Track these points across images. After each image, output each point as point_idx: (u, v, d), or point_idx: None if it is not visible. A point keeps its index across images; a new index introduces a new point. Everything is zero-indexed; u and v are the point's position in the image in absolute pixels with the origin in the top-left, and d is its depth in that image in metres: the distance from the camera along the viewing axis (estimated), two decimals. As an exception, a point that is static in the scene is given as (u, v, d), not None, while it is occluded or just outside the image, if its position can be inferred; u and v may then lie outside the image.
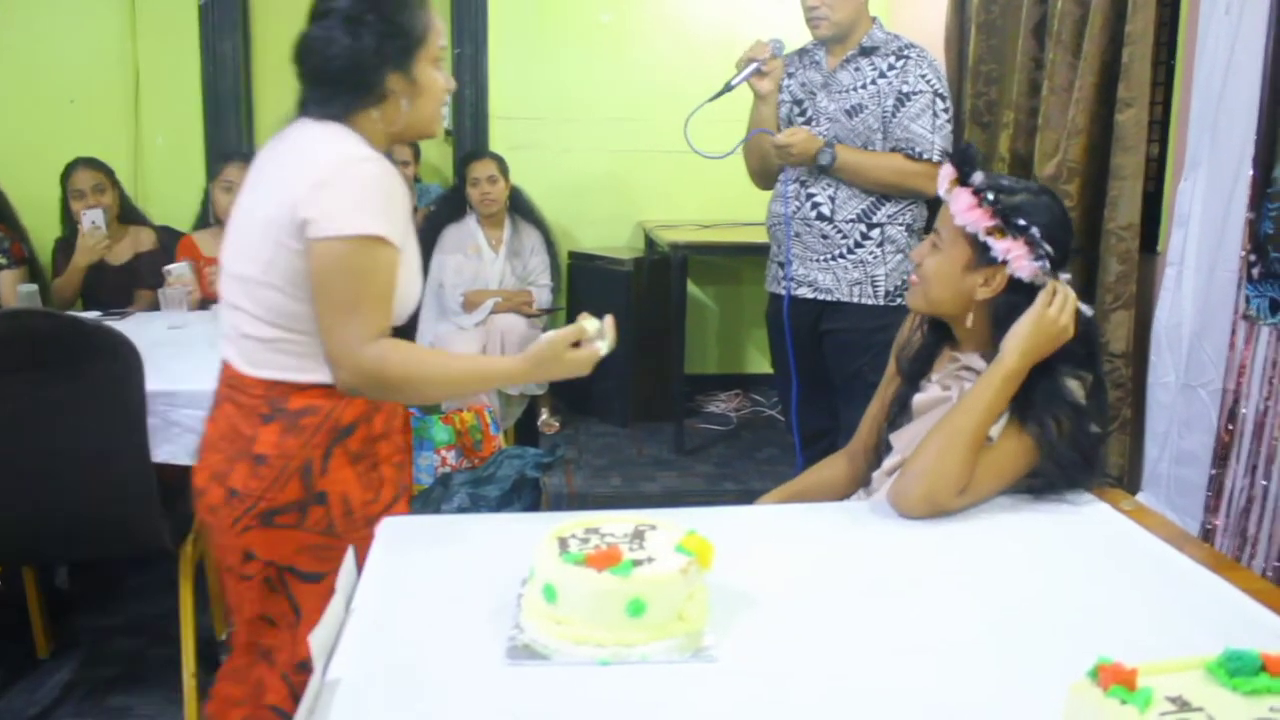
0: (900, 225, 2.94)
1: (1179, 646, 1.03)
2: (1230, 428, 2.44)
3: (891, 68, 2.88)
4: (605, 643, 1.18)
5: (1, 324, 2.40)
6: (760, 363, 5.18)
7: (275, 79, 5.10)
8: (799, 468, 3.13)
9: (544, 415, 4.64)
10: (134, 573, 3.37)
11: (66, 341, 2.31)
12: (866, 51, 2.92)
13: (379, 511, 1.76)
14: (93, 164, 3.96)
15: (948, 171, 1.77)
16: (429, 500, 3.44)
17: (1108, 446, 2.83)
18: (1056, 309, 1.66)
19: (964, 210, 1.72)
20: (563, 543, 1.26)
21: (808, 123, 2.96)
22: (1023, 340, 1.65)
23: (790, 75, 3.04)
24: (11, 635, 2.94)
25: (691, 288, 4.93)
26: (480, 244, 4.41)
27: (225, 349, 1.81)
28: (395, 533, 1.59)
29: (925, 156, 2.85)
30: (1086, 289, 3.00)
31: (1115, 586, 1.42)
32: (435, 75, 1.80)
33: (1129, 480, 2.88)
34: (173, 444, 2.49)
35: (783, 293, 3.03)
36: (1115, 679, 0.92)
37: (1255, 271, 2.38)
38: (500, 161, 4.43)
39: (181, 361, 2.74)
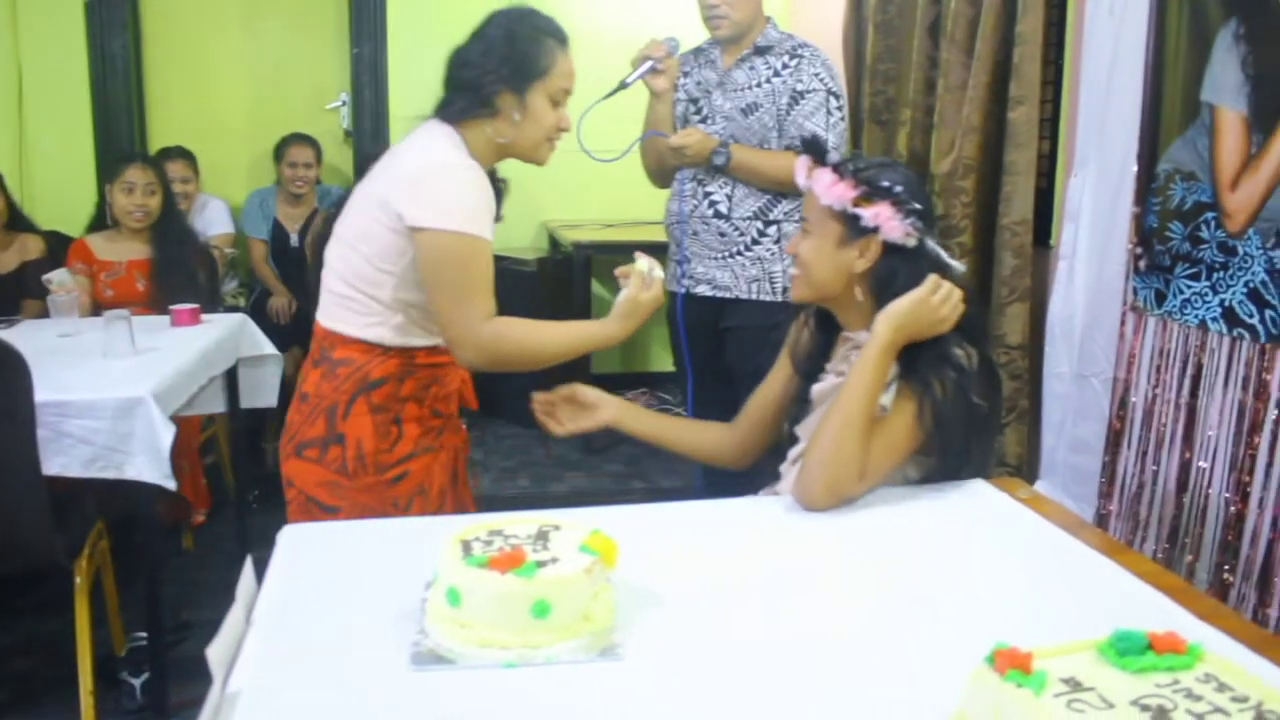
0: (797, 222, 2.97)
1: (1073, 629, 1.06)
2: (1121, 415, 2.51)
3: (786, 66, 2.91)
4: (510, 645, 1.17)
5: (-122, 335, 2.30)
6: (665, 361, 5.20)
7: (168, 78, 4.98)
8: (698, 466, 3.15)
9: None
10: (25, 590, 3.25)
11: (-52, 352, 2.23)
12: (761, 50, 2.94)
13: (391, 462, 2.00)
14: (-26, 168, 3.82)
15: (804, 161, 1.85)
16: (334, 506, 3.38)
17: (1002, 434, 2.90)
18: (939, 299, 1.71)
19: (827, 188, 1.79)
20: (466, 545, 1.25)
21: (703, 121, 2.98)
22: (897, 316, 1.70)
23: (686, 74, 3.05)
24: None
25: (596, 287, 4.92)
26: (383, 246, 4.36)
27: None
28: (297, 540, 1.56)
29: None
30: (983, 283, 3.07)
31: (1012, 573, 1.45)
32: (548, 108, 2.02)
33: (1027, 469, 2.95)
34: (65, 455, 2.41)
35: (681, 290, 3.04)
36: (1012, 663, 0.94)
37: (1142, 264, 2.45)
38: (402, 162, 4.38)
39: (73, 370, 2.65)
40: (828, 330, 1.94)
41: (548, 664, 1.17)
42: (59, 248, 3.92)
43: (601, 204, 5.01)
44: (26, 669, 2.88)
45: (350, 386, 1.99)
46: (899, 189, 1.76)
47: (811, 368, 1.94)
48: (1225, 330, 2.19)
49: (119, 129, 4.83)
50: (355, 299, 1.98)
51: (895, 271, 1.76)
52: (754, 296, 2.96)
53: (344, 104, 5.13)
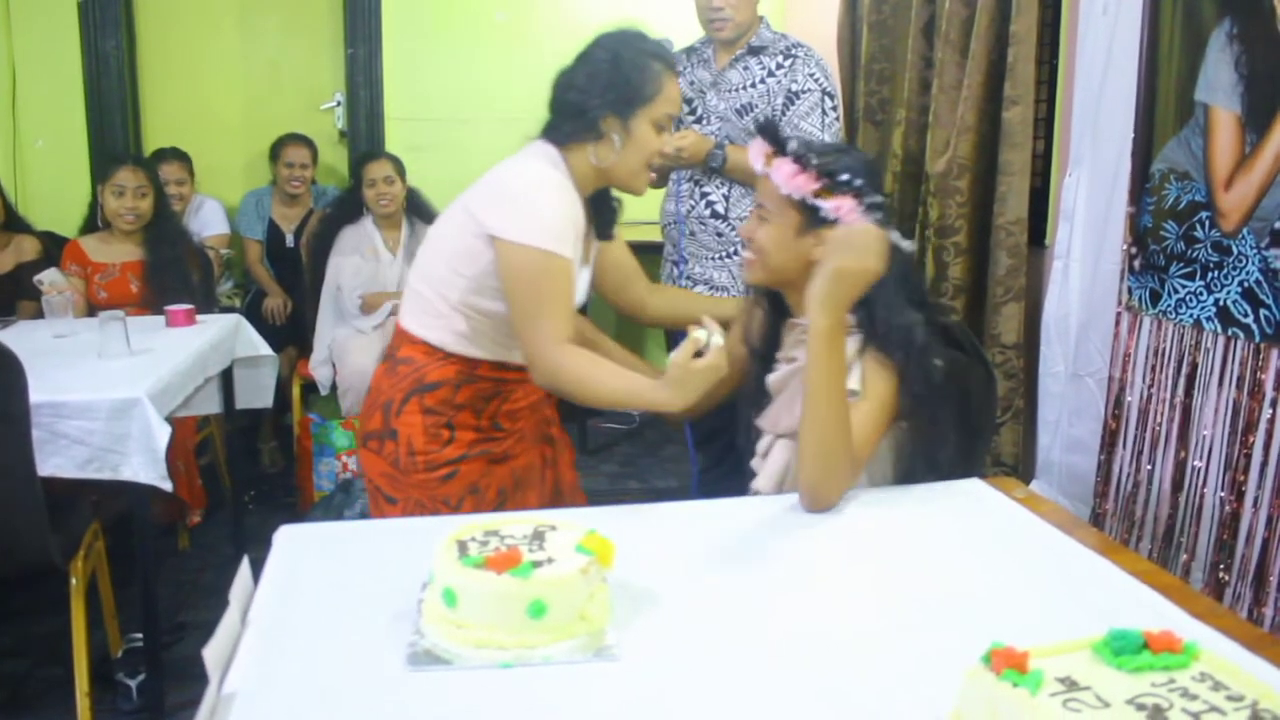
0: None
1: (1068, 629, 1.06)
2: (1116, 415, 2.52)
3: (780, 66, 2.91)
4: (507, 645, 1.17)
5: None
6: (661, 361, 5.18)
7: (163, 79, 4.97)
8: (694, 465, 3.16)
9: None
10: (19, 591, 3.25)
11: (-57, 353, 2.22)
12: (755, 51, 2.94)
13: (440, 462, 2.01)
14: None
15: (761, 147, 1.84)
16: (331, 506, 3.39)
17: (998, 434, 2.90)
18: (854, 256, 1.66)
19: (788, 179, 1.79)
20: (462, 546, 1.25)
21: (698, 121, 2.98)
22: (822, 297, 1.65)
23: (680, 74, 3.05)
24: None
25: (594, 287, 4.91)
26: (377, 246, 4.35)
27: None
28: (294, 540, 1.56)
29: None
30: (978, 283, 3.08)
31: (1008, 573, 1.46)
32: (651, 134, 2.00)
33: (1023, 469, 2.95)
34: (60, 456, 2.41)
35: None
36: (1008, 663, 0.95)
37: (1136, 263, 2.46)
38: (396, 162, 4.38)
39: (68, 371, 2.65)
40: (776, 311, 1.96)
41: (544, 664, 1.17)
42: (54, 249, 3.92)
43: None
44: (22, 670, 2.87)
45: (406, 385, 2.02)
46: (860, 182, 1.78)
47: (765, 351, 1.96)
48: (1220, 329, 2.19)
49: (113, 129, 4.82)
50: (427, 297, 2.02)
51: None
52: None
53: (339, 105, 5.12)
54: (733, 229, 2.94)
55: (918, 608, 1.33)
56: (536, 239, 1.88)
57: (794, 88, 2.89)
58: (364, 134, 4.98)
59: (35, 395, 2.28)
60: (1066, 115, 2.79)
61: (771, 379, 1.91)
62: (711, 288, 2.99)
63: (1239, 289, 2.13)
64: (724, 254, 2.96)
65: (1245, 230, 2.11)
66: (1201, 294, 2.24)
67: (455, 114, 5.01)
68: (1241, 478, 2.12)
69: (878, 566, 1.48)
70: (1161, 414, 2.37)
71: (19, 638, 3.03)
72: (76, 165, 4.77)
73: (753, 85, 2.92)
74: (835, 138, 2.91)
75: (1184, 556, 2.28)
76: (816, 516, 1.63)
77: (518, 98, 4.93)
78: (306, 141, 4.72)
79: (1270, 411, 2.05)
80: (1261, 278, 2.07)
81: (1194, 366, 2.27)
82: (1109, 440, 2.55)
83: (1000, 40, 2.92)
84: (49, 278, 3.41)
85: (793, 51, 2.93)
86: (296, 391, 4.36)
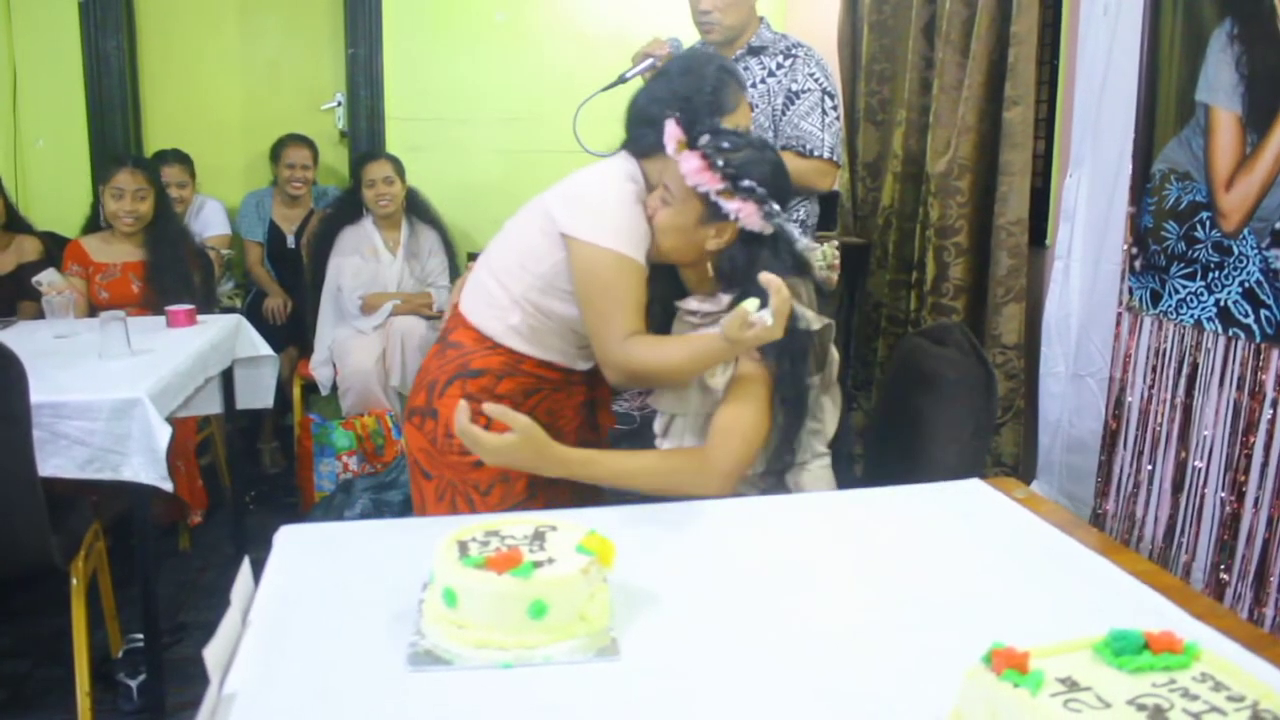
0: (794, 222, 2.97)
1: (1069, 629, 1.06)
2: (1117, 415, 2.52)
3: (780, 66, 2.91)
4: (507, 646, 1.17)
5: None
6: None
7: (163, 79, 4.97)
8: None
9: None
10: (20, 591, 3.25)
11: (-57, 353, 2.22)
12: (755, 51, 2.94)
13: None
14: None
15: (674, 131, 1.89)
16: (331, 507, 3.39)
17: (998, 434, 2.90)
18: (754, 334, 1.71)
19: (694, 172, 1.84)
20: (462, 546, 1.25)
21: (700, 122, 2.98)
22: (734, 345, 1.76)
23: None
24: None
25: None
26: (377, 246, 4.35)
27: None
28: (295, 541, 1.55)
29: (816, 154, 2.88)
30: (978, 283, 3.08)
31: (1008, 573, 1.46)
32: None
33: (1023, 469, 2.95)
34: (60, 457, 2.41)
35: None
36: (1008, 663, 0.94)
37: (1137, 264, 2.45)
38: (396, 163, 4.38)
39: (69, 371, 2.65)
40: (665, 290, 2.03)
41: (544, 664, 1.17)
42: (55, 249, 3.92)
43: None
44: (23, 670, 2.87)
45: (452, 369, 2.07)
46: (761, 191, 1.82)
47: (658, 329, 2.02)
48: (1220, 330, 2.19)
49: (114, 130, 4.82)
50: (489, 286, 2.07)
51: (744, 255, 1.85)
52: None
53: (339, 105, 5.12)
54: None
55: (918, 608, 1.33)
56: (610, 240, 1.92)
57: (794, 87, 2.89)
58: (365, 134, 4.98)
59: (36, 395, 2.28)
60: (1067, 115, 2.79)
61: None
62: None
63: (1240, 289, 2.13)
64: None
65: (1246, 230, 2.11)
66: (1202, 294, 2.24)
67: (456, 114, 5.01)
68: (1242, 478, 2.11)
69: (878, 566, 1.47)
70: (1162, 414, 2.37)
71: (20, 638, 3.03)
72: (77, 165, 4.77)
73: (753, 85, 2.91)
74: (835, 138, 2.91)
75: (1185, 557, 2.28)
76: (817, 516, 1.64)
77: (518, 98, 4.95)
78: (307, 142, 4.72)
79: (1271, 412, 2.05)
80: (1262, 278, 2.07)
81: (1195, 367, 2.27)
82: (1109, 440, 2.55)
83: (1001, 40, 2.92)
84: (47, 278, 3.41)
85: (793, 51, 2.93)
86: (297, 392, 4.36)
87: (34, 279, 3.44)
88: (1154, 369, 2.40)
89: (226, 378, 3.37)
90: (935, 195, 3.14)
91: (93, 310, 3.56)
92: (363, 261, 4.32)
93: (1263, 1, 2.05)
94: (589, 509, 1.67)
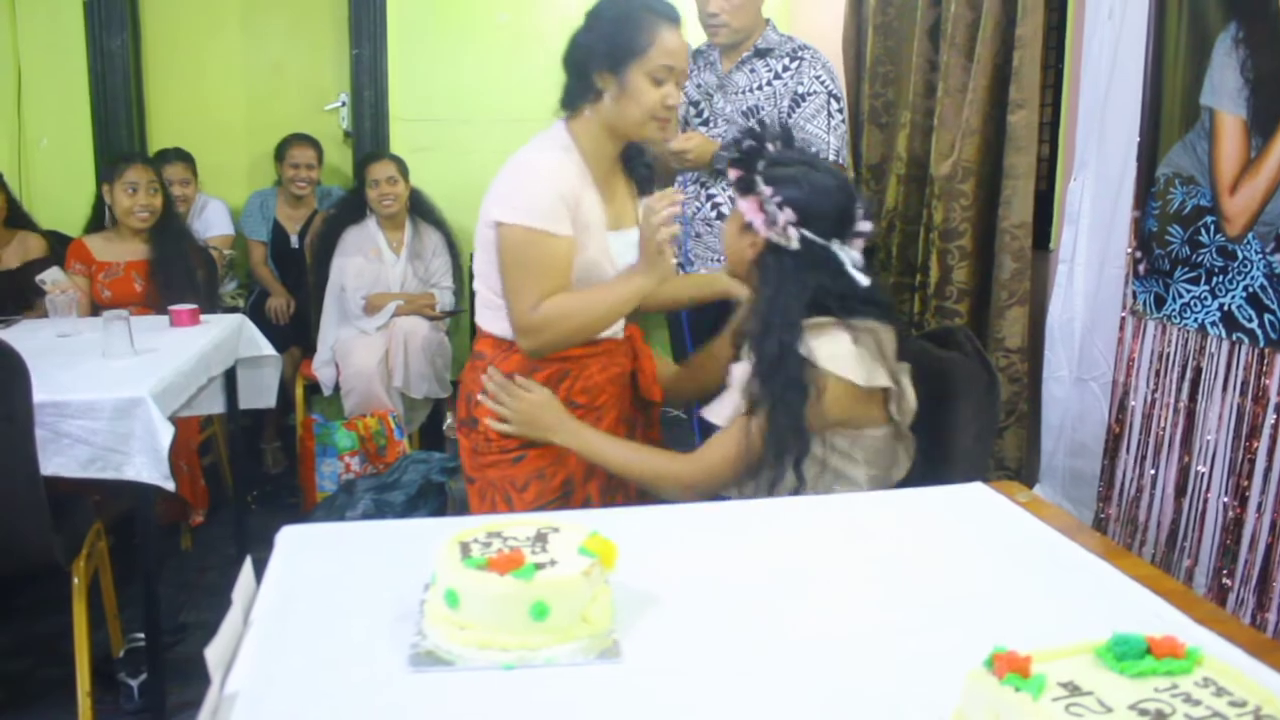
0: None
1: (1071, 633, 1.06)
2: (1120, 419, 2.51)
3: (786, 69, 2.91)
4: (509, 647, 1.17)
5: (-124, 334, 2.30)
6: (665, 354, 5.20)
7: (168, 78, 4.97)
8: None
9: (449, 420, 4.60)
10: (21, 591, 3.25)
11: (-54, 352, 2.23)
12: (761, 53, 2.94)
13: (515, 445, 2.08)
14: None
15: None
16: (333, 507, 3.39)
17: (1001, 437, 2.89)
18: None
19: (731, 174, 1.88)
20: (464, 547, 1.25)
21: (705, 124, 2.98)
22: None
23: (687, 77, 3.04)
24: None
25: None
26: (381, 246, 4.35)
27: None
28: (296, 541, 1.55)
29: (821, 156, 2.88)
30: (982, 287, 3.07)
31: (1011, 577, 1.45)
32: (647, 86, 2.01)
33: (1026, 472, 2.95)
34: (63, 456, 2.41)
35: None
36: (1010, 667, 0.94)
37: (1141, 268, 2.45)
38: (399, 163, 4.38)
39: (72, 371, 2.65)
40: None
41: (546, 666, 1.16)
42: (58, 247, 3.92)
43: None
44: (24, 670, 2.88)
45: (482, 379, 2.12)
46: (766, 188, 1.81)
47: (740, 343, 2.01)
48: (1224, 334, 2.19)
49: (118, 129, 4.82)
50: (483, 293, 2.14)
51: (769, 268, 1.84)
52: None
53: (343, 105, 5.12)
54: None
55: (920, 611, 1.33)
56: (523, 217, 1.97)
57: (800, 90, 2.89)
58: (369, 134, 4.98)
59: (38, 395, 2.29)
60: (1072, 119, 2.79)
61: (735, 368, 1.95)
62: (716, 291, 2.99)
63: (1244, 294, 2.13)
64: (729, 256, 2.96)
65: (1250, 235, 2.11)
66: (1206, 299, 2.24)
67: (460, 114, 5.01)
68: (1245, 483, 2.11)
69: (880, 569, 1.47)
70: (1165, 419, 2.36)
71: (21, 637, 3.03)
72: (81, 164, 4.78)
73: (759, 88, 2.92)
74: (841, 140, 2.91)
75: (1187, 561, 2.28)
76: (820, 518, 1.63)
77: (521, 98, 4.94)
78: (312, 142, 4.72)
79: (1274, 417, 2.04)
80: (1266, 283, 2.07)
81: (1198, 371, 2.27)
82: (1112, 445, 2.55)
83: (1005, 44, 2.92)
84: (51, 277, 3.41)
85: (799, 54, 2.93)
86: (300, 392, 4.36)
87: (38, 278, 3.45)
88: (1157, 373, 2.39)
89: (229, 377, 3.37)
90: (939, 198, 3.14)
91: (96, 309, 3.56)
92: (366, 262, 4.32)
93: (1269, 5, 2.05)
94: (593, 510, 1.67)
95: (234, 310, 4.13)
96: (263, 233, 4.73)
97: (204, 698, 1.09)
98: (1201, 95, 2.24)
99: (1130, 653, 0.97)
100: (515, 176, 2.04)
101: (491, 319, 2.13)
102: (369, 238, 4.36)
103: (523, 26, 5.01)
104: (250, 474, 4.24)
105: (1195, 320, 2.27)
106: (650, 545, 1.49)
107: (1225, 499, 2.17)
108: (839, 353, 1.79)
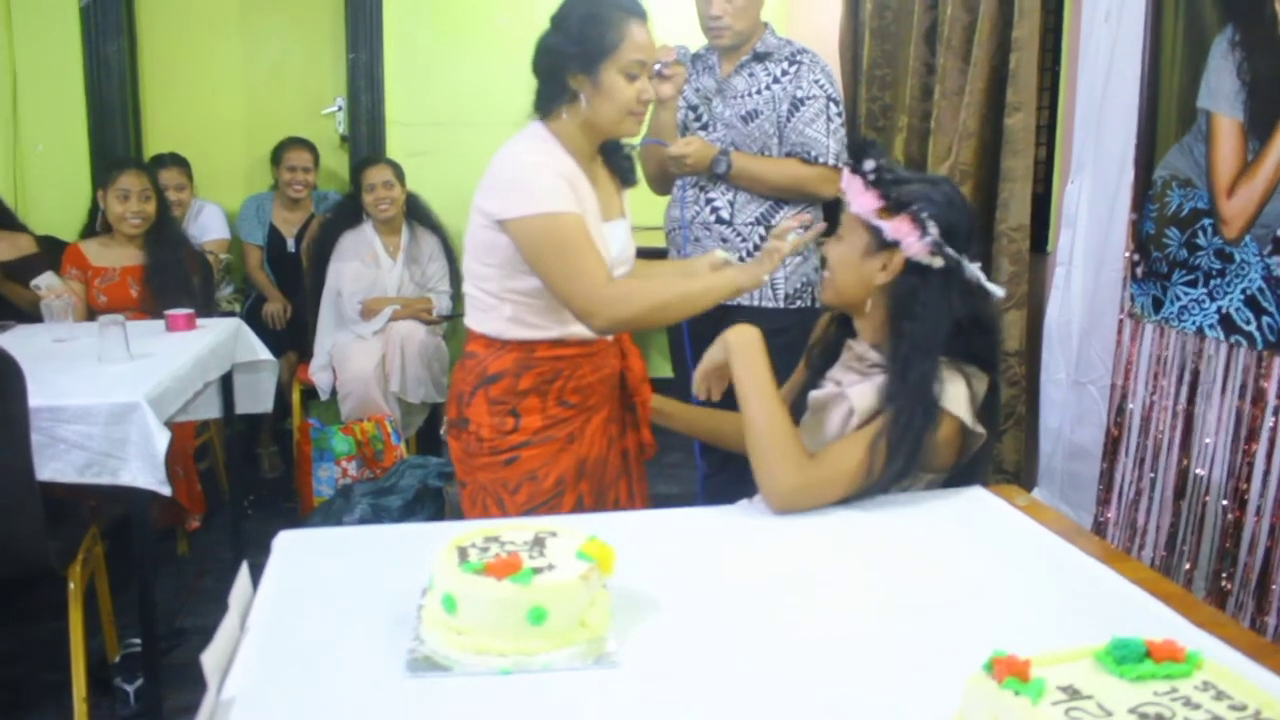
0: (798, 229, 2.97)
1: (1071, 637, 1.06)
2: (1119, 422, 2.51)
3: (785, 73, 2.91)
4: (507, 652, 1.17)
5: None
6: (664, 367, 5.15)
7: (164, 83, 4.97)
8: (700, 472, 3.15)
9: (446, 424, 4.58)
10: (19, 595, 3.24)
11: (-58, 357, 2.22)
12: (760, 57, 2.94)
13: (504, 448, 2.08)
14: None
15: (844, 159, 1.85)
16: (330, 512, 3.38)
17: (1000, 440, 2.89)
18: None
19: (856, 196, 1.79)
20: (462, 552, 1.25)
21: (704, 128, 2.97)
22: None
23: (686, 81, 3.05)
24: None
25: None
26: (377, 251, 4.35)
27: None
28: (293, 546, 1.55)
29: (820, 160, 2.88)
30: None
31: (1010, 581, 1.45)
32: (622, 84, 2.02)
33: (1025, 476, 2.95)
34: (59, 461, 2.40)
35: None
36: (1010, 671, 0.94)
37: (1139, 270, 2.45)
38: (396, 167, 4.38)
39: (68, 375, 2.65)
40: (843, 331, 1.96)
41: (544, 671, 1.16)
42: (54, 253, 3.92)
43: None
44: (20, 675, 2.87)
45: (473, 379, 2.11)
46: (917, 207, 1.73)
47: (821, 364, 1.97)
48: (1222, 337, 2.18)
49: (114, 133, 4.82)
50: (474, 294, 2.12)
51: (915, 290, 1.76)
52: (756, 303, 2.95)
53: (340, 109, 5.12)
54: (738, 234, 2.93)
55: (919, 615, 1.33)
56: (535, 206, 1.95)
57: (799, 94, 2.88)
58: (365, 139, 4.98)
59: (34, 400, 2.28)
60: (1069, 121, 2.79)
61: (814, 395, 1.90)
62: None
63: (1241, 296, 2.13)
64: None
65: (1248, 237, 2.10)
66: (1204, 301, 2.23)
67: (457, 118, 5.00)
68: (1244, 486, 2.11)
69: (879, 573, 1.47)
70: (1164, 422, 2.36)
71: (17, 642, 3.02)
72: (77, 169, 4.77)
73: (758, 92, 2.91)
74: (840, 144, 2.91)
75: (1186, 565, 2.27)
76: (818, 522, 1.63)
77: (520, 102, 4.91)
78: (308, 145, 4.71)
79: (1273, 419, 2.04)
80: (1264, 285, 2.07)
81: (1196, 374, 2.26)
82: (1111, 448, 2.54)
83: (1002, 46, 2.92)
84: (46, 281, 3.40)
85: (798, 58, 2.92)
86: (296, 396, 4.36)
87: (33, 282, 3.44)
88: (1155, 376, 2.39)
89: (225, 382, 3.37)
90: (936, 201, 3.13)
91: (91, 314, 3.55)
92: (363, 266, 4.32)
93: (1264, 8, 2.04)
94: (591, 515, 1.67)
95: (230, 315, 4.12)
96: (259, 237, 4.73)
97: (200, 703, 1.08)
98: (1198, 98, 2.24)
99: (1130, 656, 0.97)
100: (508, 170, 2.03)
101: (482, 319, 2.11)
102: (365, 242, 4.35)
103: (522, 30, 4.97)
104: (247, 479, 4.23)
105: (1193, 323, 2.27)
106: (648, 550, 1.48)
107: (1224, 502, 2.16)
108: (959, 395, 1.74)
